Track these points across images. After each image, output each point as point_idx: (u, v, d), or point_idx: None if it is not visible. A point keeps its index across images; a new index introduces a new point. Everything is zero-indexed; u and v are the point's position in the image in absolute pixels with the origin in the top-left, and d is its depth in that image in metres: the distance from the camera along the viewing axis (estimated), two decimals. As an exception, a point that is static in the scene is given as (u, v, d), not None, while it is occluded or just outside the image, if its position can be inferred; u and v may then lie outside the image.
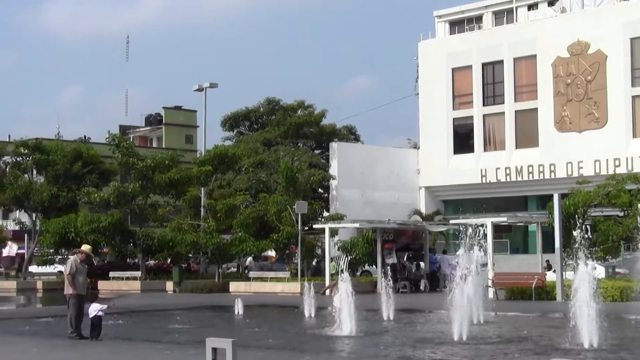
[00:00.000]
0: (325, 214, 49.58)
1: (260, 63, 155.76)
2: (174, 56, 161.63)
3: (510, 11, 58.96)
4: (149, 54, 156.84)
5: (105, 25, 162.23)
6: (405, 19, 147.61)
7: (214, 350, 10.72)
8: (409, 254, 41.59)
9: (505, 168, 54.87)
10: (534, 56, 54.26)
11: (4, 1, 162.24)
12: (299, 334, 20.62)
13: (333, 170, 54.78)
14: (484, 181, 55.74)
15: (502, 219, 39.21)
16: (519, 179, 54.33)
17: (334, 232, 42.30)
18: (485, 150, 56.46)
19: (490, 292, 32.76)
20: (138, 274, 46.40)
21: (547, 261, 38.96)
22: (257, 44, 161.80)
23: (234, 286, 40.85)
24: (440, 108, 57.42)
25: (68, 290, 18.56)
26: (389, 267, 39.30)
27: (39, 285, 48.99)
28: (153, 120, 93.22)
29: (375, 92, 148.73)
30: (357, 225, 41.81)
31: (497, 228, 40.04)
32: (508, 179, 54.86)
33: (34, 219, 54.36)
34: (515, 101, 55.39)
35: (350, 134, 65.55)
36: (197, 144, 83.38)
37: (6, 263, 60.99)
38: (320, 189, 57.82)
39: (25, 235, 58.65)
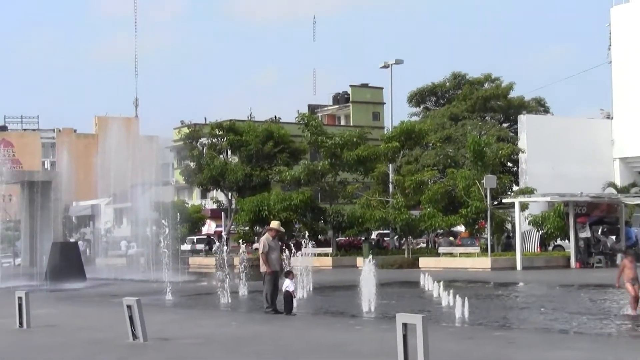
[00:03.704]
0: (515, 188, 48.74)
1: (445, 38, 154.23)
2: (359, 34, 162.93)
3: None
4: (335, 33, 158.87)
5: (293, 8, 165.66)
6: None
7: (405, 325, 10.88)
8: (604, 227, 40.29)
9: None
10: None
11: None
12: (489, 309, 20.47)
13: (522, 143, 53.58)
14: (685, 150, 52.95)
15: None
16: None
17: (524, 207, 41.57)
18: (686, 117, 53.53)
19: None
20: (329, 250, 47.38)
21: None
22: (442, 19, 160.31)
23: (424, 262, 40.94)
24: (636, 76, 54.87)
25: (263, 268, 19.32)
26: (582, 242, 38.34)
27: (236, 261, 50.85)
28: (340, 99, 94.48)
29: (565, 62, 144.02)
30: (548, 199, 40.87)
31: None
32: None
33: (229, 197, 56.64)
34: None
35: (539, 106, 63.81)
36: (384, 120, 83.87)
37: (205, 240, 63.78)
38: (509, 163, 56.69)
39: (222, 213, 61.17)
